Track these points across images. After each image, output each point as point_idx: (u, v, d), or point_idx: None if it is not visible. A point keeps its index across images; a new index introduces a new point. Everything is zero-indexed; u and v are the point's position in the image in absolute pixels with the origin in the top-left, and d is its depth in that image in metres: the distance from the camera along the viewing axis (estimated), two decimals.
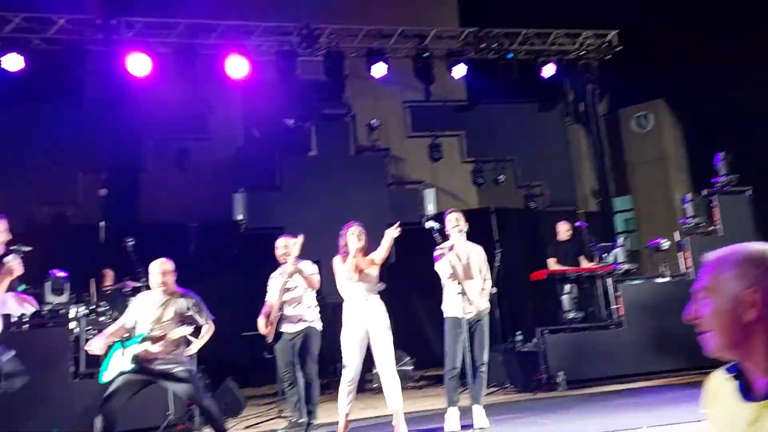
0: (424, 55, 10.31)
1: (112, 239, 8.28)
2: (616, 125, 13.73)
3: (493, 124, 11.68)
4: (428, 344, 10.61)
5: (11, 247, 6.56)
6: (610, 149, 12.20)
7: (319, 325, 5.54)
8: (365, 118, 10.88)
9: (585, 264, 7.89)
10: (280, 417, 6.36)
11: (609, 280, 7.62)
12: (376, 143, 10.65)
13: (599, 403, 5.88)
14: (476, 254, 5.43)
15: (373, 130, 10.60)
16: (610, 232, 11.06)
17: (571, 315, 7.52)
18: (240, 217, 9.57)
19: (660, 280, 7.74)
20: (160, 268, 4.75)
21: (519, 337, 7.82)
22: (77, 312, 6.28)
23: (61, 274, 6.58)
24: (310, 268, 5.48)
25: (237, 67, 9.69)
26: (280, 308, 5.36)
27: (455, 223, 5.41)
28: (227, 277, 9.65)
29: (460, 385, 5.19)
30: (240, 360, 9.08)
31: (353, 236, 5.07)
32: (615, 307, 7.54)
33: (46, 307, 6.41)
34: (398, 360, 8.02)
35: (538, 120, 11.99)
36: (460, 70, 10.44)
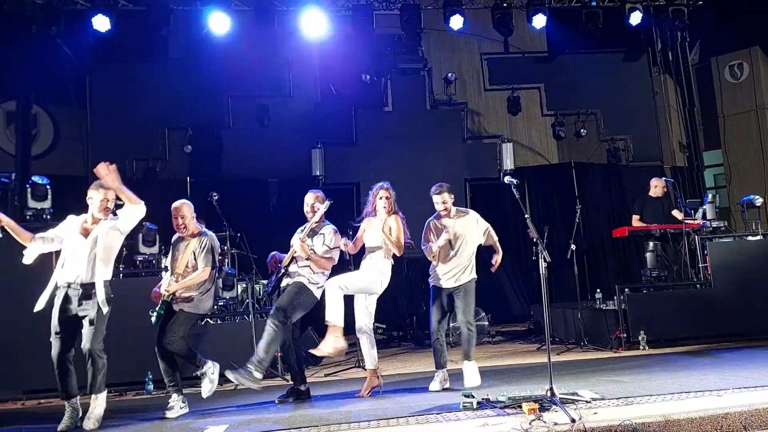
0: (503, 5, 9.94)
1: (199, 193, 8.64)
2: (707, 75, 12.95)
3: (575, 75, 11.24)
4: (505, 300, 10.61)
5: None
6: (700, 101, 11.54)
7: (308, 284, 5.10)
8: (441, 71, 10.70)
9: (679, 218, 7.57)
10: (358, 366, 6.56)
11: (696, 238, 7.30)
12: (452, 97, 10.47)
13: (681, 363, 5.72)
14: (469, 231, 5.30)
15: (450, 84, 10.41)
16: (699, 187, 10.55)
17: (654, 273, 7.28)
18: (318, 172, 9.74)
19: (751, 238, 7.35)
20: (176, 212, 4.96)
21: (599, 295, 7.67)
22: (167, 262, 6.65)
23: (152, 226, 6.96)
24: (329, 238, 5.16)
25: (314, 23, 9.71)
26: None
27: (443, 207, 5.34)
28: None
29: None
30: (320, 311, 9.40)
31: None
32: (702, 265, 7.24)
33: (139, 258, 6.83)
34: (475, 315, 8.11)
35: (623, 70, 11.43)
36: (540, 20, 10.03)
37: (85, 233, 4.56)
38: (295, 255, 5.02)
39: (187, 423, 4.39)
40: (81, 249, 4.51)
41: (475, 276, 5.32)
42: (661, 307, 7.00)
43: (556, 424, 3.57)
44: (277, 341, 4.82)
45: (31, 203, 6.92)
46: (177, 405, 4.75)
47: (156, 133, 10.49)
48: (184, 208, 4.99)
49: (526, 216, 4.62)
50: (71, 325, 4.49)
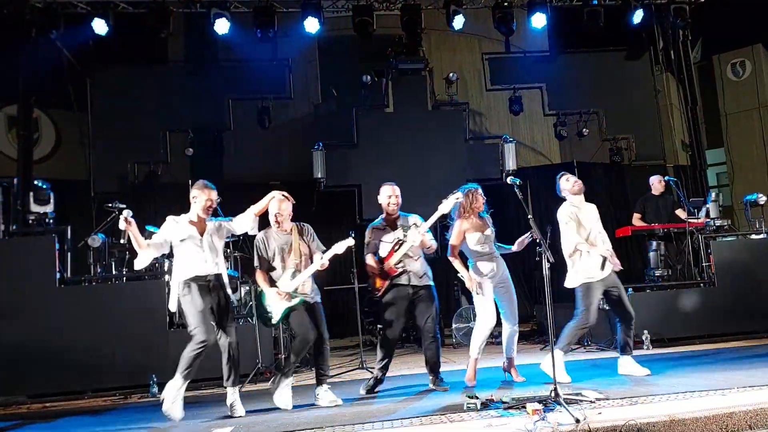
0: (504, 4, 9.92)
1: None
2: (709, 73, 12.93)
3: (577, 74, 11.21)
4: None
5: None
6: (702, 99, 11.51)
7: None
8: (443, 72, 10.68)
9: (683, 217, 7.55)
10: (361, 368, 6.54)
11: (700, 237, 7.28)
12: (454, 97, 10.45)
13: (685, 362, 5.70)
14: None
15: (451, 84, 10.40)
16: (702, 186, 10.52)
17: (657, 273, 7.27)
18: (319, 174, 9.72)
19: (755, 236, 7.33)
20: (281, 207, 5.02)
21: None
22: (170, 265, 6.64)
23: (155, 230, 6.95)
24: (420, 223, 5.23)
25: (314, 24, 9.70)
26: None
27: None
28: None
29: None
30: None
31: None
32: (706, 264, 7.22)
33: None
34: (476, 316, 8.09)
35: (624, 69, 11.39)
36: (541, 19, 10.01)
37: (201, 231, 4.77)
38: (407, 251, 5.07)
39: (194, 424, 4.39)
40: (203, 245, 4.73)
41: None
42: (664, 306, 6.99)
43: (560, 424, 3.55)
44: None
45: (34, 207, 6.94)
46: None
47: (157, 136, 10.48)
48: (288, 204, 5.05)
49: (529, 216, 4.61)
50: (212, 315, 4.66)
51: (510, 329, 5.34)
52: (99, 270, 6.92)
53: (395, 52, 10.23)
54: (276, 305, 4.84)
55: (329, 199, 10.17)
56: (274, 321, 4.92)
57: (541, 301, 8.94)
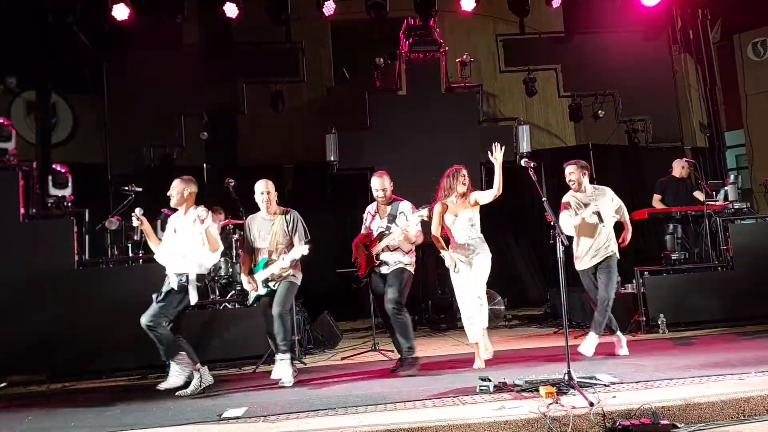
0: None
1: (215, 179, 8.68)
2: (729, 53, 12.67)
3: (593, 55, 11.03)
4: (521, 284, 10.56)
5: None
6: (721, 79, 11.30)
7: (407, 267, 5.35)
8: (456, 54, 10.57)
9: (701, 199, 7.45)
10: (375, 350, 6.58)
11: (718, 220, 7.19)
12: (467, 79, 10.35)
13: (702, 346, 5.66)
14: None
15: (465, 66, 10.29)
16: (720, 168, 10.38)
17: (674, 256, 7.19)
18: (332, 157, 9.71)
19: None
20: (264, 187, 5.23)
21: (617, 279, 7.59)
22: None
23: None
24: (410, 213, 5.29)
25: (327, 7, 9.63)
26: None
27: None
28: (321, 215, 9.90)
29: None
30: (335, 295, 9.45)
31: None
32: (724, 248, 7.13)
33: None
34: (490, 299, 8.10)
35: (641, 50, 11.19)
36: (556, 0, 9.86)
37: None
38: (389, 243, 5.18)
39: (207, 405, 4.44)
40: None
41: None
42: (681, 290, 6.92)
43: (574, 407, 3.55)
44: (410, 324, 5.21)
45: (52, 191, 7.04)
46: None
47: (172, 120, 10.51)
48: (270, 185, 5.20)
49: (543, 199, 4.58)
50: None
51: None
52: (116, 252, 7.01)
53: (408, 34, 10.14)
54: (250, 291, 5.16)
55: (342, 182, 10.17)
56: (248, 303, 5.26)
57: (556, 285, 8.93)
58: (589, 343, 5.30)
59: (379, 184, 5.34)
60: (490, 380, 4.15)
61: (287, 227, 5.12)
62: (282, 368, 5.03)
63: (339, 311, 8.58)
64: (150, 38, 10.23)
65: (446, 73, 10.36)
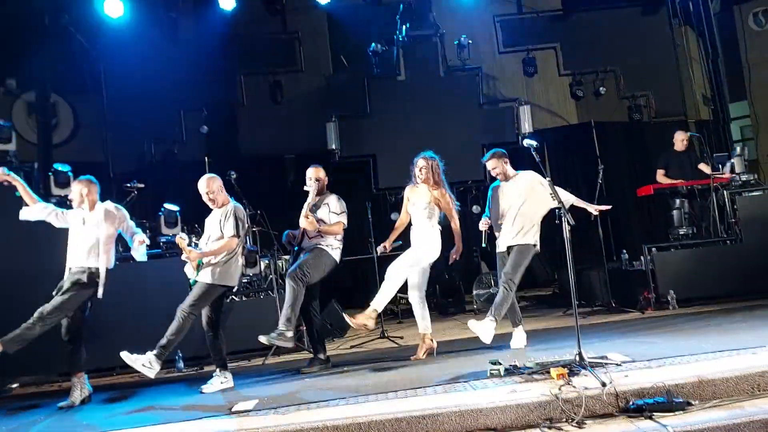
0: None
1: (217, 173, 8.62)
2: (730, 24, 12.49)
3: (592, 33, 10.92)
4: (528, 265, 10.49)
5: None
6: (723, 50, 11.15)
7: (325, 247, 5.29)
8: (454, 36, 10.47)
9: (707, 172, 7.37)
10: (384, 337, 6.57)
11: (725, 193, 7.11)
12: (466, 62, 10.25)
13: (713, 321, 5.60)
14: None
15: (463, 49, 10.18)
16: (726, 141, 10.27)
17: (682, 231, 7.14)
18: (333, 146, 9.66)
19: None
20: (202, 188, 5.10)
21: (625, 256, 7.55)
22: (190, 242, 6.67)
23: (173, 207, 6.99)
24: (333, 205, 5.37)
25: None
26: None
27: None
28: None
29: None
30: (342, 283, 9.44)
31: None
32: (732, 221, 7.06)
33: (162, 239, 6.88)
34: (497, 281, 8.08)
35: (641, 24, 11.06)
36: None
37: None
38: (305, 230, 5.15)
39: (218, 398, 4.43)
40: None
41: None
42: (690, 265, 6.88)
43: (586, 388, 3.52)
44: (299, 299, 4.99)
45: (55, 191, 7.01)
46: (217, 380, 4.84)
47: (172, 115, 10.48)
48: (209, 182, 5.09)
49: (547, 179, 4.52)
50: None
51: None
52: (120, 250, 6.98)
53: (405, 19, 10.04)
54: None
55: (345, 170, 10.11)
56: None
57: (563, 266, 8.89)
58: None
59: (313, 173, 5.43)
60: (500, 363, 4.12)
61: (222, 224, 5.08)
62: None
63: (346, 299, 8.56)
64: (146, 34, 10.17)
65: (445, 56, 10.26)
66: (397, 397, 3.84)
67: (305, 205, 5.24)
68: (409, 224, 5.47)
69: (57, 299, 4.81)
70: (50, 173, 7.04)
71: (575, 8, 11.05)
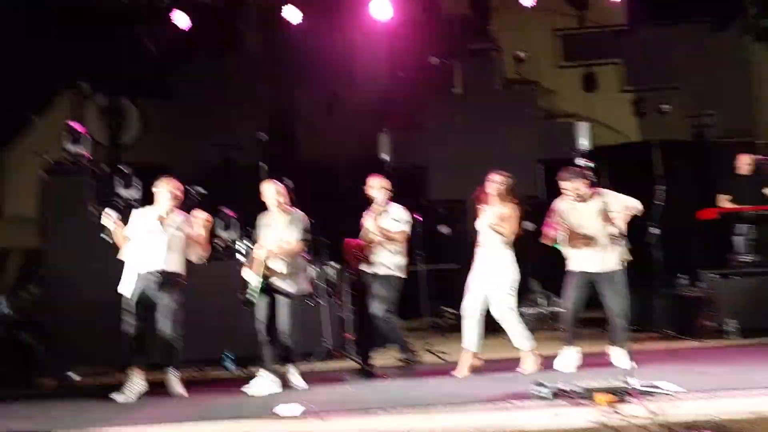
0: None
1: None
2: None
3: (657, 48, 10.62)
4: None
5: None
6: None
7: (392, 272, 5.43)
8: (512, 50, 10.40)
9: None
10: (428, 351, 6.54)
11: None
12: (524, 76, 10.16)
13: None
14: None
15: (521, 63, 10.09)
16: None
17: (745, 258, 6.84)
18: (386, 157, 9.72)
19: None
20: (275, 191, 5.25)
21: (683, 281, 7.29)
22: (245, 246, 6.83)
23: (230, 213, 7.18)
24: (398, 214, 5.51)
25: (382, 8, 9.67)
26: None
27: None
28: None
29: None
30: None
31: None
32: None
33: (219, 243, 7.06)
34: (548, 300, 7.96)
35: (710, 40, 10.70)
36: None
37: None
38: (371, 240, 5.26)
39: (262, 401, 4.52)
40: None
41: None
42: (752, 294, 6.57)
43: (634, 417, 3.41)
44: (397, 327, 5.43)
45: (121, 192, 7.32)
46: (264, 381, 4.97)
47: (232, 122, 10.78)
48: (277, 188, 5.28)
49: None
50: None
51: None
52: None
53: (463, 32, 10.03)
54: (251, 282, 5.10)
55: (396, 181, 10.13)
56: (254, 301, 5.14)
57: None
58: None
59: (378, 183, 5.58)
60: (545, 385, 4.05)
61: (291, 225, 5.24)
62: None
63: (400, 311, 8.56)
64: (211, 42, 10.54)
65: (502, 70, 10.20)
66: (439, 412, 3.82)
67: (371, 211, 5.37)
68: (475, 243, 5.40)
69: None
70: (117, 175, 7.36)
71: (641, 23, 10.79)
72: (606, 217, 5.13)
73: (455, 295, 9.36)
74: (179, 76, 10.88)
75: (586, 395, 3.87)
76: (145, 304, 5.03)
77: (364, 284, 5.42)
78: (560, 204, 5.33)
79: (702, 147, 10.52)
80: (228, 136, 10.77)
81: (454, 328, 8.62)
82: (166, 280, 5.01)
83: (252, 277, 5.10)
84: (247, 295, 5.08)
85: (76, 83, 11.75)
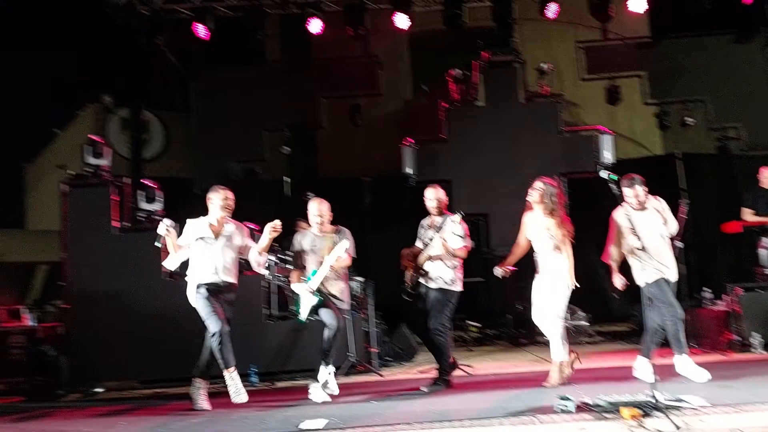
0: None
1: (295, 193, 8.92)
2: None
3: (681, 60, 10.59)
4: (605, 298, 10.18)
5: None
6: None
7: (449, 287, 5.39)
8: (535, 62, 10.40)
9: None
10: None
11: None
12: (547, 88, 10.15)
13: None
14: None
15: (544, 75, 10.09)
16: None
17: None
18: (409, 170, 9.74)
19: None
20: (321, 210, 5.27)
21: (707, 294, 7.20)
22: (268, 261, 6.89)
23: (253, 227, 7.25)
24: (458, 228, 5.35)
25: (405, 20, 9.75)
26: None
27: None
28: (398, 228, 9.94)
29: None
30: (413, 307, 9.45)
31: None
32: None
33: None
34: (572, 314, 7.88)
35: (734, 53, 10.63)
36: (640, 4, 9.52)
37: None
38: (431, 254, 5.27)
39: (287, 415, 4.55)
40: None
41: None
42: None
43: (659, 431, 3.40)
44: (448, 344, 5.35)
45: (143, 205, 7.43)
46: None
47: (255, 135, 10.91)
48: (325, 206, 5.35)
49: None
50: None
51: None
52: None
53: (486, 44, 10.06)
54: (303, 302, 5.15)
55: (420, 195, 10.15)
56: (302, 318, 5.24)
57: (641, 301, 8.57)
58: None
59: (434, 194, 5.49)
60: (570, 399, 4.03)
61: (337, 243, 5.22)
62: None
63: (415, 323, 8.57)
64: (234, 56, 10.69)
65: (525, 82, 10.20)
66: (463, 426, 3.83)
67: (430, 224, 5.42)
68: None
69: None
70: (140, 188, 7.48)
71: (664, 35, 10.75)
72: (663, 221, 5.13)
73: (480, 309, 9.37)
74: (202, 89, 11.03)
75: (611, 409, 3.86)
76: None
77: (421, 297, 5.41)
78: (618, 214, 5.27)
79: (726, 160, 10.42)
80: (251, 149, 10.90)
81: (478, 341, 8.63)
82: (222, 289, 5.06)
83: (303, 293, 5.18)
84: (299, 313, 5.24)
85: (99, 97, 12.00)
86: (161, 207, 7.54)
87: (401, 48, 11.77)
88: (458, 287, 5.37)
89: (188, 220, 5.10)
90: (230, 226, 5.15)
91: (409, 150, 9.64)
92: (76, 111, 13.05)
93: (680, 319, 4.95)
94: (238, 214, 6.56)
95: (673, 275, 5.09)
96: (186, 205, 10.14)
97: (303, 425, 4.06)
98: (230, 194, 5.13)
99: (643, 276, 5.11)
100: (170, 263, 5.11)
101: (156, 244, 5.02)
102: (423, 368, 6.59)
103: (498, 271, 5.36)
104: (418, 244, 5.51)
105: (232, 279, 5.10)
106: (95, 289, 6.62)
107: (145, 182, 7.63)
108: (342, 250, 5.09)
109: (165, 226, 4.93)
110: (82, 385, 6.44)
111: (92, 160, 6.96)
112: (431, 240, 5.29)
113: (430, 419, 4.02)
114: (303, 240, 5.34)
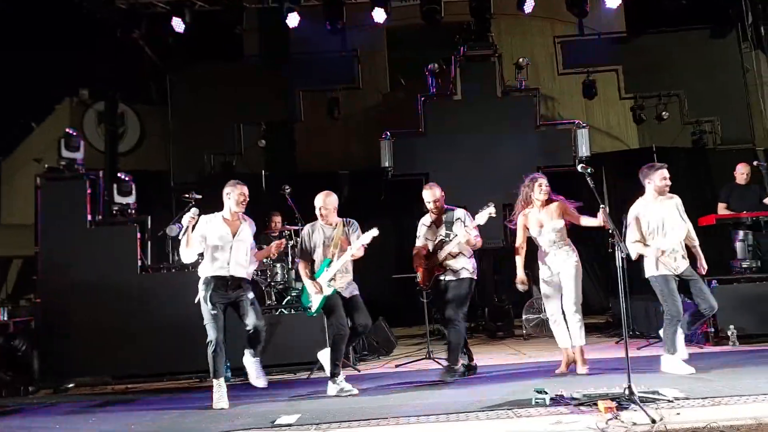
0: None
1: (273, 186, 8.84)
2: None
3: (656, 55, 10.66)
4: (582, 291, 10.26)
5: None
6: None
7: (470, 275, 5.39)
8: (513, 57, 10.41)
9: None
10: (429, 358, 6.51)
11: None
12: (524, 83, 10.17)
13: None
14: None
15: (521, 69, 10.11)
16: None
17: (745, 264, 6.83)
18: (387, 163, 9.71)
19: None
20: (326, 202, 5.16)
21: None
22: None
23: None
24: (468, 220, 5.35)
25: (382, 15, 9.69)
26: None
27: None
28: (376, 222, 9.89)
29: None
30: (391, 301, 9.44)
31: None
32: None
33: None
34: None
35: (709, 48, 10.75)
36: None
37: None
38: (451, 250, 5.26)
39: (261, 411, 4.49)
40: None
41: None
42: (753, 300, 6.55)
43: (635, 424, 3.40)
44: (462, 335, 5.29)
45: (117, 199, 7.33)
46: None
47: (231, 129, 10.78)
48: (330, 199, 5.20)
49: (601, 206, 4.44)
50: None
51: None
52: (177, 258, 7.21)
53: (463, 38, 10.05)
54: (314, 296, 5.06)
55: (398, 188, 10.16)
56: (313, 311, 5.16)
57: (617, 293, 8.64)
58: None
59: (431, 195, 5.44)
60: (546, 393, 4.03)
61: (349, 234, 5.16)
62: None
63: (395, 317, 8.55)
64: (211, 49, 10.54)
65: (502, 76, 10.21)
66: (439, 421, 3.80)
67: (435, 221, 5.40)
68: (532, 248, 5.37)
69: None
70: (114, 182, 7.36)
71: (640, 30, 10.82)
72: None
73: None
74: (179, 83, 10.87)
75: (588, 402, 3.86)
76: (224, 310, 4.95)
77: (441, 291, 5.38)
78: (638, 205, 5.26)
79: (701, 153, 10.54)
80: (228, 142, 10.77)
81: None
82: (229, 284, 4.92)
83: (312, 290, 5.07)
84: (307, 306, 5.16)
85: (76, 91, 11.79)
86: (135, 200, 7.43)
87: (379, 42, 11.71)
88: (476, 276, 5.41)
89: (202, 217, 4.99)
90: (245, 222, 5.05)
91: (386, 143, 9.61)
92: (53, 105, 12.80)
93: (678, 319, 4.96)
94: (214, 208, 6.47)
95: (681, 269, 5.10)
96: (161, 199, 10.09)
97: (279, 420, 4.01)
98: (246, 190, 5.03)
99: (651, 268, 5.10)
100: (187, 256, 4.97)
101: (170, 233, 4.90)
102: (400, 362, 6.56)
103: (521, 287, 5.37)
104: (419, 242, 5.49)
105: (242, 274, 4.97)
106: (68, 283, 6.49)
107: (120, 175, 7.51)
108: (369, 237, 5.02)
109: (190, 216, 4.82)
110: (54, 381, 6.32)
111: (67, 153, 6.84)
112: (446, 236, 5.29)
113: (405, 414, 3.99)
114: (314, 234, 5.23)
